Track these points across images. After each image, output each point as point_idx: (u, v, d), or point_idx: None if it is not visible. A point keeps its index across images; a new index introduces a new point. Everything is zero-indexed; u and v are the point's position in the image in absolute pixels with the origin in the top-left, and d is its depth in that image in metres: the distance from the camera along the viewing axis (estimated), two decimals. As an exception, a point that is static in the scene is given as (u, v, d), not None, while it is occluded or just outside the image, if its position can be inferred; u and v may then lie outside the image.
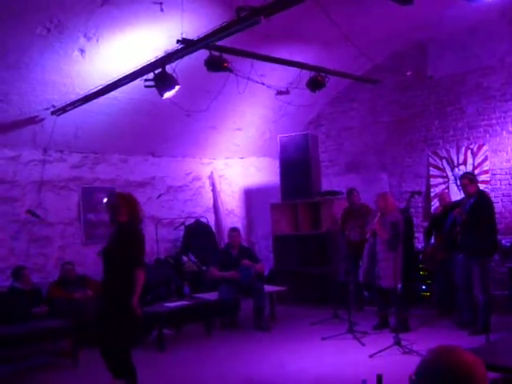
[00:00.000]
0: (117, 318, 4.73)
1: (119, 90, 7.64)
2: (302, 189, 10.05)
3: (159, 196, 10.21)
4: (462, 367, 1.70)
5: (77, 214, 9.16)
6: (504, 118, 8.93)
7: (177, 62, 6.75)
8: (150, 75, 6.82)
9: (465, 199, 7.22)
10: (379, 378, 2.49)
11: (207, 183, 11.10)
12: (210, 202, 11.13)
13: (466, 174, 7.62)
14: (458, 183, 7.64)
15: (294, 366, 6.20)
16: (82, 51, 7.13)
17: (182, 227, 10.21)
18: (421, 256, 8.83)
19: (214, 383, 5.60)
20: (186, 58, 6.79)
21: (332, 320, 8.17)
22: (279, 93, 9.15)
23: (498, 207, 8.94)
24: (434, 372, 1.74)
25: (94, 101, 7.80)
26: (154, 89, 6.86)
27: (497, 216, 8.84)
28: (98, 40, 7.00)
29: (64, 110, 7.96)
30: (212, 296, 8.30)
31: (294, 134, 10.45)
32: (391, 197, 7.80)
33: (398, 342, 6.42)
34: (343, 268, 8.67)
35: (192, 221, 10.39)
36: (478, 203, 7.01)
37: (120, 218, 4.93)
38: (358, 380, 3.39)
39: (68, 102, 7.84)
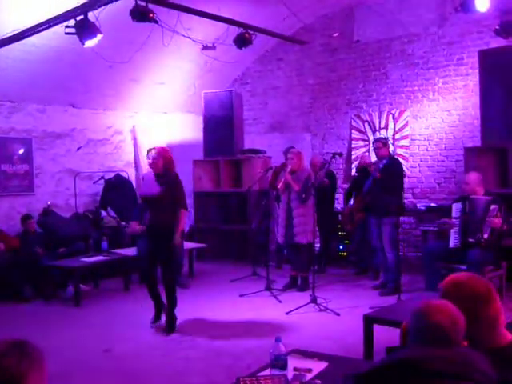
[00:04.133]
0: (168, 251, 5.82)
1: (38, 36, 7.28)
2: (225, 146, 10.00)
3: (78, 148, 9.91)
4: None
5: (-10, 165, 8.77)
6: (425, 85, 9.14)
7: (100, 9, 6.49)
8: (72, 22, 6.53)
9: (377, 162, 7.41)
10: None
11: (129, 137, 10.85)
12: (131, 157, 10.91)
13: (379, 138, 8.00)
14: (372, 146, 7.83)
15: (210, 322, 6.25)
16: (-3, -9, 6.74)
17: (102, 181, 9.99)
18: (340, 217, 9.02)
19: (131, 338, 5.57)
20: (110, 7, 6.55)
21: (251, 277, 8.26)
22: (205, 48, 8.99)
23: (415, 172, 9.24)
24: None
25: (10, 46, 7.39)
26: (75, 38, 6.60)
27: (414, 180, 9.16)
28: (15, -20, 6.63)
29: (-24, 54, 7.53)
30: (131, 251, 8.20)
31: (218, 90, 10.33)
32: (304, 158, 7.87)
33: (314, 300, 6.57)
34: (264, 226, 8.71)
35: (112, 175, 10.17)
36: (389, 165, 7.24)
37: (158, 169, 5.82)
38: (273, 336, 3.44)
39: (-19, 46, 7.42)
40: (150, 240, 5.98)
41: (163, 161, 5.81)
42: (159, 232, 5.85)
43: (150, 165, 5.89)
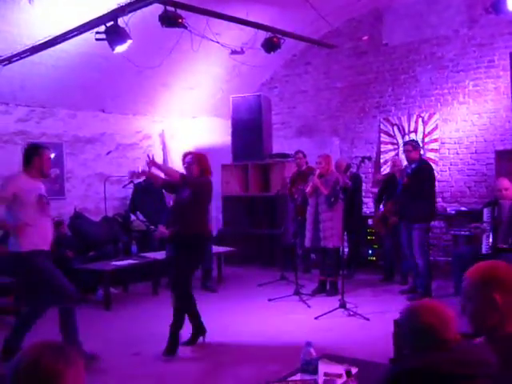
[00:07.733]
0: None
1: (69, 42, 7.37)
2: (253, 150, 10.01)
3: (108, 153, 10.01)
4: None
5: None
6: (455, 88, 9.05)
7: (130, 15, 6.54)
8: (102, 28, 6.60)
9: (407, 165, 7.34)
10: None
11: (157, 142, 10.94)
12: (160, 161, 10.98)
13: (409, 141, 7.89)
14: (402, 150, 7.76)
15: (239, 326, 6.25)
16: (30, -1, 6.83)
17: (131, 185, 10.06)
18: (370, 221, 8.94)
19: (160, 342, 5.58)
20: (139, 13, 6.60)
21: (279, 282, 8.25)
22: (234, 52, 9.01)
23: (445, 176, 9.14)
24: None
25: (43, 52, 7.51)
26: (105, 43, 6.65)
27: (444, 184, 9.05)
28: (47, -12, 6.72)
29: (10, 60, 7.63)
30: (160, 255, 8.25)
31: (246, 94, 10.35)
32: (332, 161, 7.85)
33: (343, 305, 6.53)
34: (292, 231, 8.73)
35: (141, 179, 10.22)
36: (419, 169, 7.14)
37: (193, 175, 5.59)
38: (303, 341, 3.43)
39: (14, 53, 7.51)
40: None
41: (199, 167, 5.59)
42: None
43: (185, 170, 5.65)
